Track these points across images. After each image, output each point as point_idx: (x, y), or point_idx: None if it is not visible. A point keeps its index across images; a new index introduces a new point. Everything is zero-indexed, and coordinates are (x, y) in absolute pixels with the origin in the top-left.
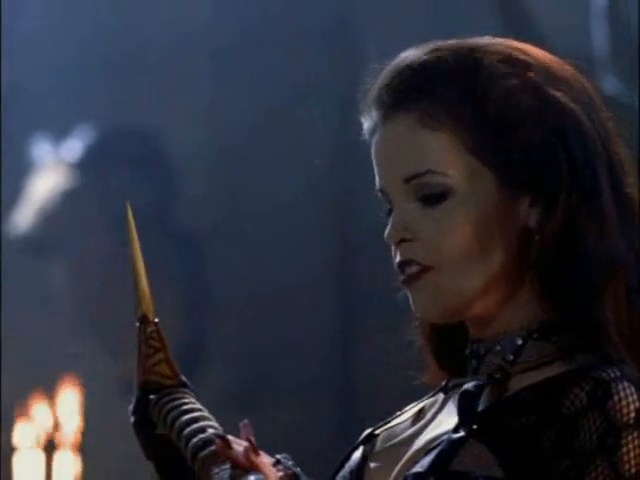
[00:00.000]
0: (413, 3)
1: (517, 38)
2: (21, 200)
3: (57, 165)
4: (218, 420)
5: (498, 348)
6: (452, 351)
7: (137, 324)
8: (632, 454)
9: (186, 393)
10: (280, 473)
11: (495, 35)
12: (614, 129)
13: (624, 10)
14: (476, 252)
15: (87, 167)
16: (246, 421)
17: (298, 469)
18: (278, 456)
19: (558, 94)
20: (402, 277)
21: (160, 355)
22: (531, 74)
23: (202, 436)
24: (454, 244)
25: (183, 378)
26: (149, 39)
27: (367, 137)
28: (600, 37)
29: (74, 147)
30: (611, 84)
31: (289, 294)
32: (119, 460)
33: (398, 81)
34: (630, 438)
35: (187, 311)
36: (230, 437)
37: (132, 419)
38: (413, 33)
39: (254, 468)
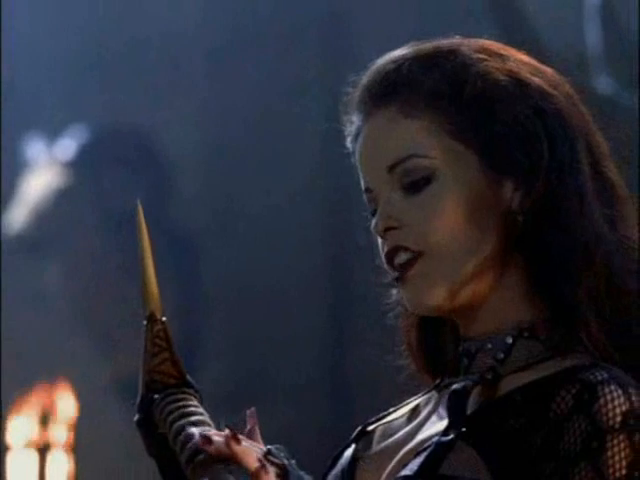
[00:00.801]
0: (406, 1)
1: (510, 37)
2: (16, 199)
3: (52, 164)
4: (211, 418)
5: (489, 346)
6: (438, 353)
7: (144, 322)
8: (617, 458)
9: (189, 394)
10: (257, 464)
11: (489, 34)
12: (593, 123)
13: (618, 9)
14: (463, 234)
15: (81, 166)
16: (253, 409)
17: (292, 461)
18: (270, 446)
19: (536, 79)
20: (394, 273)
21: (166, 354)
22: (508, 62)
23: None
24: (441, 226)
25: (188, 378)
26: (142, 39)
27: (350, 145)
28: (594, 36)
29: (68, 146)
30: (605, 83)
31: (282, 292)
32: (112, 459)
33: (378, 79)
34: (615, 442)
35: (180, 309)
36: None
37: (136, 417)
38: (406, 31)
39: (235, 456)
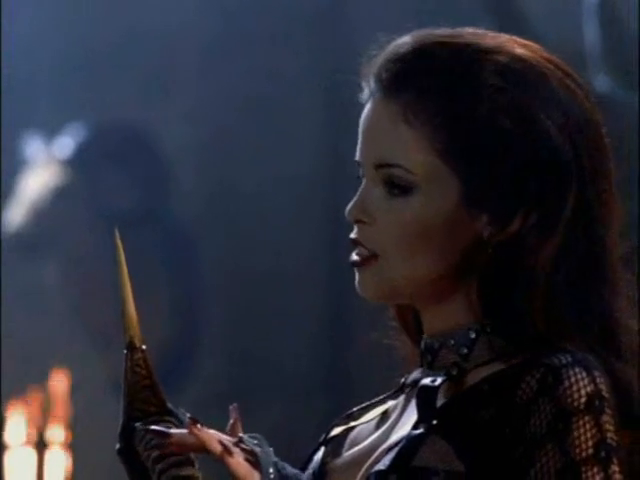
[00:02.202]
0: None
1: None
2: (14, 197)
3: (50, 162)
4: (208, 416)
5: (452, 342)
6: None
7: (124, 351)
8: (583, 438)
9: (170, 423)
10: (220, 447)
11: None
12: (605, 156)
13: (617, 7)
14: (426, 249)
15: (79, 164)
16: (235, 405)
17: (269, 449)
18: (242, 435)
19: (545, 120)
20: (353, 258)
21: (146, 382)
22: (524, 95)
23: (174, 473)
24: (404, 236)
25: (169, 406)
26: (137, 36)
27: (364, 101)
28: (592, 34)
29: (66, 145)
30: (603, 82)
31: (280, 285)
32: (109, 457)
33: (395, 66)
34: (581, 422)
35: (176, 303)
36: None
37: (117, 446)
38: (402, 21)
39: (199, 441)
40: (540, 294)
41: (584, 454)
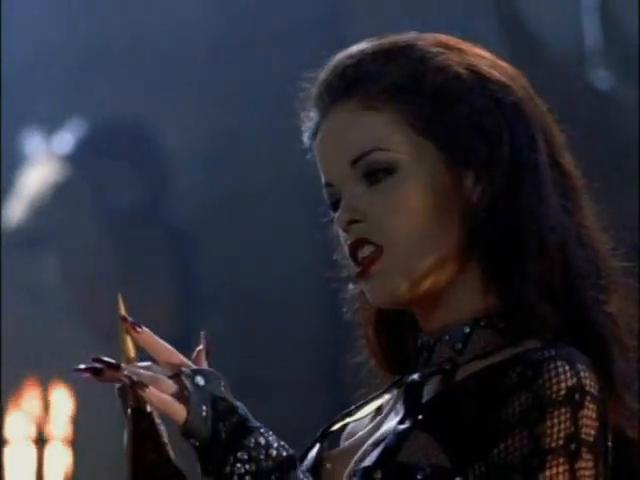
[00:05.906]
0: (405, 2)
1: (509, 32)
2: (15, 193)
3: (50, 158)
4: None
5: (447, 338)
6: (397, 348)
7: (129, 411)
8: (555, 429)
9: None
10: (128, 382)
11: (490, 33)
12: (550, 114)
13: (617, 3)
14: (424, 228)
15: (80, 160)
16: (205, 332)
17: (212, 385)
18: (183, 369)
19: (495, 72)
20: (357, 267)
21: (151, 445)
22: (466, 56)
23: None
24: (403, 220)
25: (177, 466)
26: (140, 32)
27: (308, 142)
28: (592, 30)
29: (66, 140)
30: (603, 77)
31: (281, 286)
32: (110, 453)
33: (336, 75)
34: (556, 413)
35: (176, 303)
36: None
37: None
38: (404, 26)
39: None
40: (553, 242)
41: (553, 444)
